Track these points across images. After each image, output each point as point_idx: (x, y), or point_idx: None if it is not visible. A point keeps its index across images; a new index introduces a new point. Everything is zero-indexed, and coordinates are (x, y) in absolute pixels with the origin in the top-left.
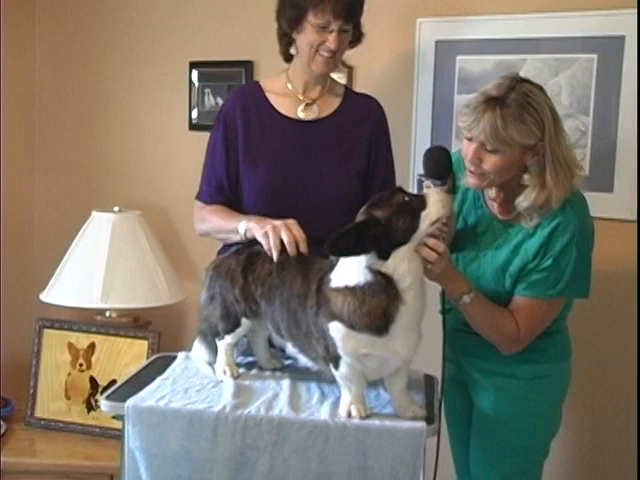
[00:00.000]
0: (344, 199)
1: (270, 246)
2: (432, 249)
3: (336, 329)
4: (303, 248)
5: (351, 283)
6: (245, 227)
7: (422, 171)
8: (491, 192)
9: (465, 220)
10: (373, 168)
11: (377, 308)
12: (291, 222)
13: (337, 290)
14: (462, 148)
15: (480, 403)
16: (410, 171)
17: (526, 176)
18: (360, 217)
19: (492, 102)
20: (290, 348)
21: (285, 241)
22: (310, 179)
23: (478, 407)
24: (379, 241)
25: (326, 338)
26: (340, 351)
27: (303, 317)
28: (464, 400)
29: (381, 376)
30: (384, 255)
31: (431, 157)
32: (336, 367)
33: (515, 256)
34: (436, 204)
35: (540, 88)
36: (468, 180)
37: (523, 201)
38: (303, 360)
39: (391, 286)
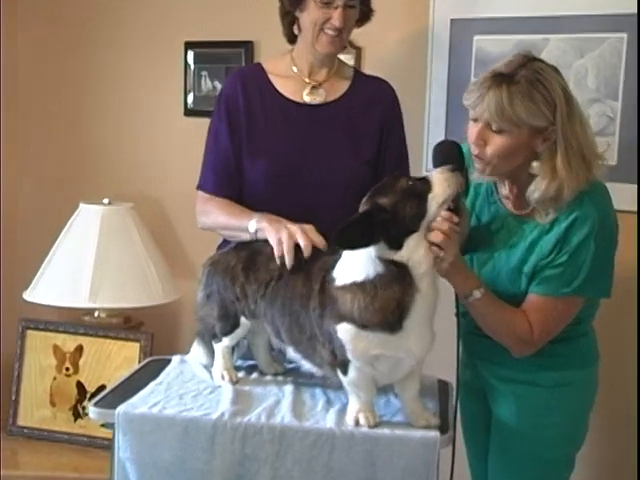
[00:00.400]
0: (353, 189)
1: (284, 252)
2: (439, 230)
3: (345, 331)
4: (323, 247)
5: (359, 278)
6: (257, 227)
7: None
8: (504, 188)
9: (478, 218)
10: (384, 156)
11: (391, 301)
12: (309, 227)
13: (344, 288)
14: (468, 132)
15: (499, 412)
16: (423, 159)
17: (535, 164)
18: (364, 206)
19: (499, 78)
20: (292, 353)
21: (302, 245)
22: (316, 168)
23: (497, 416)
24: (387, 229)
25: (333, 342)
26: (349, 354)
27: (306, 320)
28: (481, 408)
29: (392, 380)
30: (395, 244)
31: (440, 151)
32: (344, 372)
33: (530, 254)
34: (441, 184)
35: (554, 69)
36: (475, 167)
37: (534, 191)
38: (307, 366)
39: (406, 274)
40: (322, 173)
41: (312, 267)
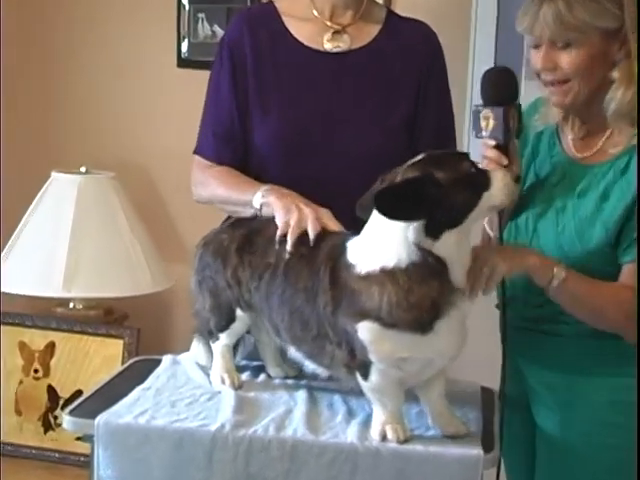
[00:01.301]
0: (384, 156)
1: (287, 233)
2: None
3: (368, 330)
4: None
5: (389, 263)
6: (262, 201)
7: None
8: (569, 133)
9: (537, 175)
10: (423, 115)
11: (426, 299)
12: (325, 212)
13: (369, 278)
14: (532, 62)
15: (545, 426)
16: (465, 120)
17: (614, 73)
18: (413, 171)
19: None
20: (293, 352)
21: (310, 233)
22: (339, 129)
23: (542, 431)
24: (433, 210)
25: (351, 342)
26: (372, 356)
27: (312, 316)
28: (523, 420)
29: (420, 381)
30: (435, 232)
31: (489, 79)
32: (365, 376)
33: (605, 201)
34: (501, 189)
35: None
36: (551, 101)
37: (610, 101)
38: (311, 367)
39: (443, 271)
40: (345, 137)
41: (317, 255)
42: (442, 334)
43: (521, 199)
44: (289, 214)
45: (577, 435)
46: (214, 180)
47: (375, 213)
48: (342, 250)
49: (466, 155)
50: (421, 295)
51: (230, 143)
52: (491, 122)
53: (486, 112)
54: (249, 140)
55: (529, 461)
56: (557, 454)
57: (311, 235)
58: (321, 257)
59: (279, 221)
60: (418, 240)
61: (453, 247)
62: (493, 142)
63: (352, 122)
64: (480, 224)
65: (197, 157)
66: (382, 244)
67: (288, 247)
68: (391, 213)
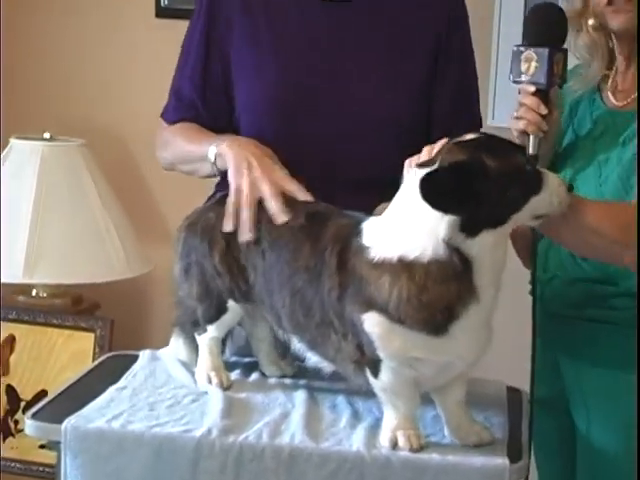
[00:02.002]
0: (396, 122)
1: (240, 204)
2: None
3: (374, 323)
4: (303, 196)
5: (410, 254)
6: (215, 151)
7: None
8: (611, 85)
9: (576, 133)
10: (443, 75)
11: (441, 300)
12: (281, 175)
13: (382, 266)
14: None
15: (589, 433)
16: (491, 82)
17: None
18: (460, 154)
19: None
20: (296, 343)
21: (266, 199)
22: (343, 91)
23: (585, 439)
24: (478, 204)
25: (358, 335)
26: (381, 353)
27: (315, 300)
28: (560, 425)
29: (439, 384)
30: (472, 229)
31: (536, 15)
32: (375, 374)
33: None
34: (552, 196)
35: None
36: (611, 24)
37: None
38: (313, 359)
39: (467, 273)
40: (351, 99)
41: (322, 233)
42: (459, 337)
43: (559, 157)
44: (239, 177)
45: (629, 443)
46: (173, 137)
47: (402, 194)
48: (354, 231)
49: (523, 149)
50: (436, 296)
51: (192, 107)
52: (533, 65)
53: (528, 53)
54: (232, 106)
55: (568, 474)
56: (603, 465)
57: (270, 201)
58: (328, 236)
59: (230, 181)
60: (450, 236)
61: (487, 249)
62: (533, 88)
63: (359, 79)
64: None
65: (161, 121)
66: (405, 231)
67: (243, 221)
68: (437, 203)
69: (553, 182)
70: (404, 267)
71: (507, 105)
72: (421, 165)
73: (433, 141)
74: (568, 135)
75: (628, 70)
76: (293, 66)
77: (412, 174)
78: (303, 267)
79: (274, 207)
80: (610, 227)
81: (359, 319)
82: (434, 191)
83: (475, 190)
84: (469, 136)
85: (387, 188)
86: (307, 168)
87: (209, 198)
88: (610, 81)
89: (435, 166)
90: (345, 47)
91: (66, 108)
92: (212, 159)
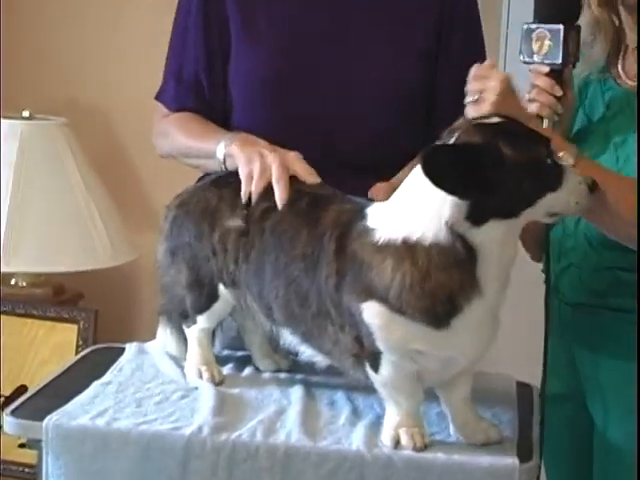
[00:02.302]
0: (397, 101)
1: (248, 195)
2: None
3: (373, 313)
4: (314, 180)
5: (413, 236)
6: (225, 151)
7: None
8: (621, 63)
9: (588, 116)
10: (447, 51)
11: (442, 289)
12: (293, 155)
13: (386, 249)
14: None
15: (610, 431)
16: (500, 61)
17: None
18: (475, 136)
19: None
20: (288, 336)
21: (274, 181)
22: (343, 65)
23: (605, 437)
24: (487, 191)
25: (357, 325)
26: (380, 345)
27: (312, 289)
28: (575, 422)
29: (443, 379)
30: (478, 217)
31: None
32: (375, 368)
33: None
34: (570, 195)
35: None
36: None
37: None
38: (307, 353)
39: (470, 264)
40: (352, 74)
41: (320, 218)
42: (461, 332)
43: (571, 142)
44: (251, 164)
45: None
46: (173, 128)
47: (412, 176)
48: (357, 216)
49: (548, 140)
50: (438, 283)
51: (195, 90)
52: (546, 44)
53: (541, 31)
54: (227, 85)
55: (583, 473)
56: (622, 464)
57: (275, 185)
58: (327, 221)
59: (241, 175)
60: (453, 220)
61: (494, 241)
62: (547, 68)
63: (359, 54)
64: None
65: (158, 104)
66: (410, 212)
67: (253, 197)
68: (438, 179)
69: (574, 180)
70: (408, 250)
71: (517, 80)
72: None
73: (435, 122)
74: (579, 119)
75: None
76: (288, 42)
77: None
78: (300, 255)
79: (279, 191)
80: (632, 205)
81: (358, 309)
82: (433, 165)
83: (485, 176)
84: (493, 119)
85: (387, 170)
86: (306, 150)
87: (200, 178)
88: (620, 60)
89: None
90: (345, 25)
91: (47, 85)
92: (221, 159)
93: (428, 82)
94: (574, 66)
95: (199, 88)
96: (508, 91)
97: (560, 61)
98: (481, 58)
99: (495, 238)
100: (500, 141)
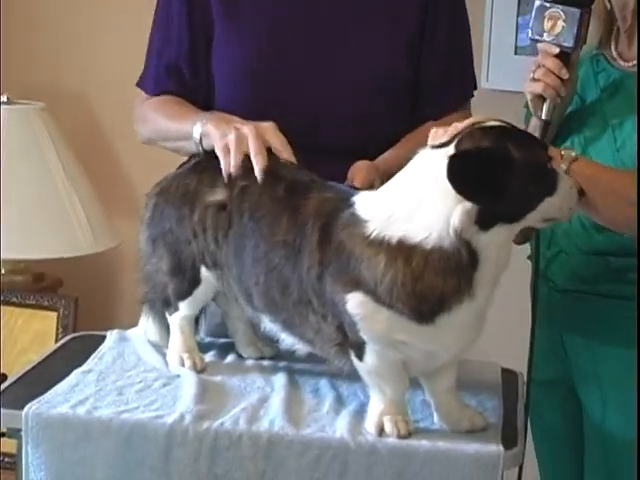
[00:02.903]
0: (380, 86)
1: (229, 167)
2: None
3: (357, 303)
4: (287, 156)
5: (414, 237)
6: (201, 131)
7: None
8: (614, 44)
9: (582, 98)
10: (431, 32)
11: (434, 292)
12: (267, 125)
13: (380, 244)
14: None
15: (601, 416)
16: (485, 41)
17: None
18: (481, 141)
19: None
20: (268, 324)
21: (252, 155)
22: (325, 51)
23: (596, 423)
24: (499, 195)
25: (340, 315)
26: (364, 335)
27: (293, 277)
28: (564, 409)
29: (427, 370)
30: (487, 222)
31: None
32: (359, 357)
33: None
34: (563, 200)
35: None
36: None
37: None
38: (288, 341)
39: (471, 269)
40: (337, 62)
41: (300, 206)
42: (446, 329)
43: (564, 125)
44: (225, 137)
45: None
46: (152, 111)
47: (411, 170)
48: (341, 205)
49: (545, 145)
50: (430, 287)
51: (176, 75)
52: (559, 24)
53: (555, 11)
54: (211, 73)
55: (573, 459)
56: (619, 453)
57: (254, 159)
58: (309, 210)
59: (217, 149)
60: (462, 226)
61: (495, 246)
62: (557, 49)
63: (342, 43)
64: None
65: (139, 90)
66: (411, 212)
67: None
68: (464, 186)
69: (565, 184)
70: (403, 250)
71: (502, 66)
72: (436, 147)
73: (419, 108)
74: (574, 100)
75: (633, 28)
76: (273, 27)
77: (424, 153)
78: (281, 242)
79: (258, 164)
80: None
81: (342, 299)
82: (463, 174)
83: (499, 180)
84: (491, 123)
85: (371, 155)
86: (290, 136)
87: (181, 165)
88: (613, 41)
89: (451, 148)
90: (328, 11)
91: (25, 69)
92: (197, 139)
93: (412, 69)
94: (581, 49)
95: (180, 73)
96: None
97: (572, 44)
98: (466, 46)
99: (497, 243)
100: (509, 144)
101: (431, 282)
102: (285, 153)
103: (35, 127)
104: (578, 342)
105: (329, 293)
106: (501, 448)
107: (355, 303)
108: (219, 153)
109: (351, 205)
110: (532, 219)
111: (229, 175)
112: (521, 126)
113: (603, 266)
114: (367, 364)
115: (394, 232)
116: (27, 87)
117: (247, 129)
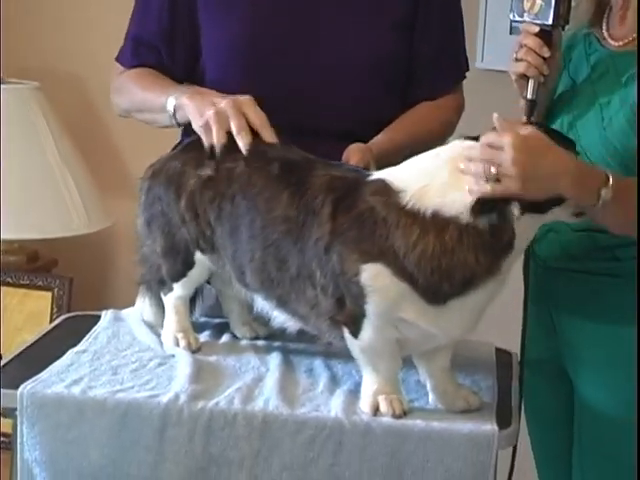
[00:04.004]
0: (372, 67)
1: (212, 142)
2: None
3: (373, 275)
4: (268, 136)
5: (449, 210)
6: (175, 103)
7: None
8: (605, 24)
9: (573, 78)
10: (424, 17)
11: (463, 268)
12: (245, 100)
13: (416, 215)
14: None
15: (591, 395)
16: (480, 21)
17: None
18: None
19: None
20: (260, 302)
21: (233, 131)
22: (320, 34)
23: (587, 401)
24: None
25: (344, 287)
26: (369, 307)
27: (293, 251)
28: (555, 387)
29: (421, 350)
30: (525, 207)
31: None
32: (355, 333)
33: None
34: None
35: None
36: None
37: None
38: (280, 318)
39: (505, 253)
40: (329, 43)
41: (307, 183)
42: (453, 313)
43: (555, 104)
44: (204, 115)
45: (632, 404)
46: (129, 82)
47: (447, 153)
48: (358, 178)
49: (574, 143)
50: (460, 263)
51: (153, 52)
52: (538, 3)
53: None
54: (196, 49)
55: (565, 438)
56: (608, 432)
57: (236, 134)
58: (317, 186)
59: (195, 126)
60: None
61: (529, 233)
62: (536, 28)
63: (334, 25)
64: None
65: (116, 64)
66: (448, 188)
67: (216, 148)
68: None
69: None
70: (436, 222)
71: (497, 46)
72: (469, 138)
73: (413, 91)
74: (563, 80)
75: (625, 9)
76: (264, 8)
77: (458, 141)
78: (280, 217)
79: (242, 141)
80: None
81: (355, 269)
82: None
83: None
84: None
85: (370, 136)
86: (280, 117)
87: (175, 147)
88: (604, 22)
89: None
90: None
91: (19, 48)
92: (171, 111)
93: (405, 52)
94: (563, 28)
95: (157, 52)
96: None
97: (550, 22)
98: (459, 28)
99: (531, 231)
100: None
101: (460, 257)
102: (264, 130)
103: (29, 107)
104: (567, 320)
105: (336, 263)
106: (495, 428)
107: (370, 274)
108: (199, 130)
109: (371, 178)
110: (557, 214)
111: (214, 156)
112: (515, 106)
113: (591, 243)
114: (362, 340)
115: (429, 204)
116: (22, 67)
117: (225, 103)
